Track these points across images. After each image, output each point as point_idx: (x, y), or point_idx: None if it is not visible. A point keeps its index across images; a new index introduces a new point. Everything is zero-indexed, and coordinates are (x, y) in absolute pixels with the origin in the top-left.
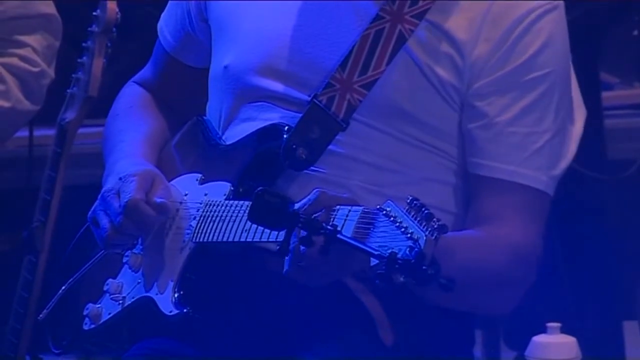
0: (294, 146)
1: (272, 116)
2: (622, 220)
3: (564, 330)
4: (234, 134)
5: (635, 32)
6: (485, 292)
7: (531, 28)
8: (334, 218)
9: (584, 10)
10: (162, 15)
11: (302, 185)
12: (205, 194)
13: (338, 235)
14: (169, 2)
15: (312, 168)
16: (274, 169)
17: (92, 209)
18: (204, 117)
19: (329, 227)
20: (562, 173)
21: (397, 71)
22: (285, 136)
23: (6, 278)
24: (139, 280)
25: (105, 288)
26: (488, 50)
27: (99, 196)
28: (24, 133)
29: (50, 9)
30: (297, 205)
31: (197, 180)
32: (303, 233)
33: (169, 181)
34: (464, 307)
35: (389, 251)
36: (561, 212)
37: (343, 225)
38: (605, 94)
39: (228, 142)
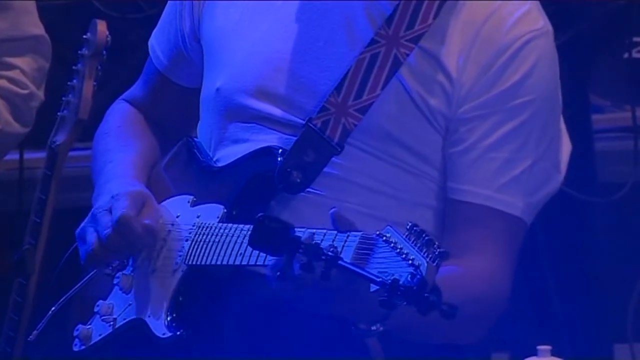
0: (289, 169)
1: (264, 138)
2: (613, 242)
3: (555, 353)
4: (226, 155)
5: (626, 55)
6: (462, 326)
7: (518, 54)
8: (332, 243)
9: (575, 32)
10: (154, 32)
11: (296, 208)
12: (198, 216)
13: (339, 262)
14: (161, 18)
15: (306, 190)
16: (267, 192)
17: (81, 225)
18: (194, 138)
19: (329, 253)
20: (544, 201)
21: (388, 98)
22: (279, 159)
23: None
24: (130, 302)
25: (95, 309)
26: (475, 75)
27: (90, 214)
28: (14, 156)
29: (40, 30)
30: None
31: (188, 202)
32: (303, 259)
33: (160, 202)
34: (442, 340)
35: (392, 278)
36: (552, 234)
37: (342, 250)
38: (595, 117)
39: (220, 164)
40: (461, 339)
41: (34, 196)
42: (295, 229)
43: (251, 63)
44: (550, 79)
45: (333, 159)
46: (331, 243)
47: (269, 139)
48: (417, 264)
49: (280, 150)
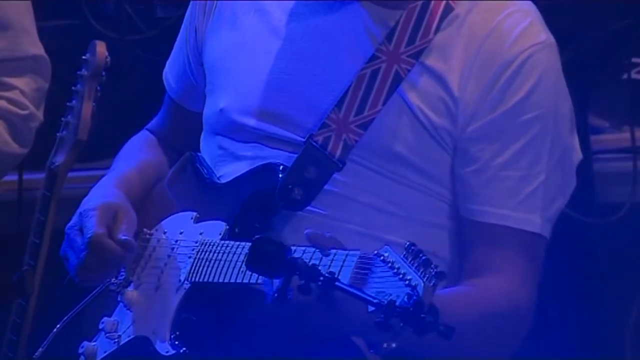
0: (290, 186)
1: (266, 155)
2: (611, 263)
3: None
4: (228, 172)
5: (625, 76)
6: (483, 344)
7: (521, 70)
8: (331, 263)
9: (574, 53)
10: (167, 62)
11: (297, 225)
12: (201, 233)
13: (336, 283)
14: (173, 49)
15: (308, 208)
16: (269, 209)
17: (62, 246)
18: (197, 154)
19: (326, 275)
20: (559, 211)
21: (391, 114)
22: (280, 176)
23: None
24: (135, 319)
25: (100, 326)
26: (480, 93)
27: (65, 232)
28: (13, 177)
29: (39, 50)
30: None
31: (191, 218)
32: (301, 281)
33: (164, 218)
34: (465, 356)
35: (388, 299)
36: (550, 255)
37: (340, 270)
38: (594, 138)
39: (222, 181)
40: (486, 357)
41: (33, 217)
42: (293, 248)
43: (254, 84)
44: (556, 91)
45: (335, 176)
46: (330, 263)
47: (272, 156)
48: (414, 284)
49: (281, 167)
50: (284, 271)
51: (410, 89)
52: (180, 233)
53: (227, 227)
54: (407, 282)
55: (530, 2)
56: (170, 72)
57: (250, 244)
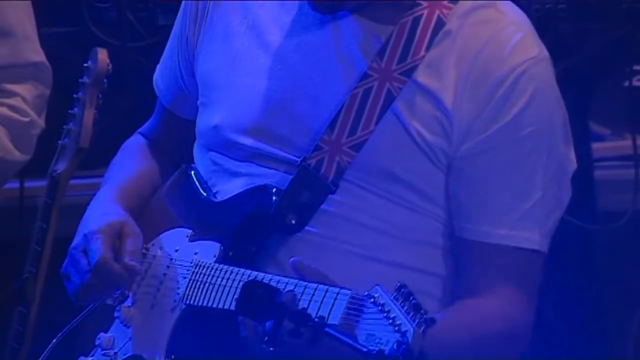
0: (284, 211)
1: (261, 173)
2: (613, 271)
3: None
4: (224, 189)
5: (626, 83)
6: None
7: (515, 86)
8: (320, 304)
9: (575, 60)
10: (158, 67)
11: (293, 246)
12: (195, 253)
13: (325, 329)
14: (163, 54)
15: (304, 229)
16: (263, 232)
17: (64, 264)
18: (193, 167)
19: (316, 320)
20: (556, 223)
21: (385, 134)
22: (274, 198)
23: None
24: (130, 336)
25: (97, 342)
26: (474, 110)
27: (68, 251)
28: (15, 184)
29: (41, 57)
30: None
31: (187, 236)
32: (291, 325)
33: (163, 231)
34: None
35: (377, 349)
36: (551, 263)
37: (331, 309)
38: (595, 145)
39: (218, 198)
40: None
41: (34, 224)
42: (284, 282)
43: (248, 101)
44: (550, 105)
45: (332, 197)
46: (321, 302)
47: (265, 174)
48: (403, 330)
49: (274, 190)
50: (274, 315)
51: (404, 107)
52: (176, 251)
53: (222, 248)
54: (396, 327)
55: (522, 14)
56: (161, 79)
57: (245, 270)
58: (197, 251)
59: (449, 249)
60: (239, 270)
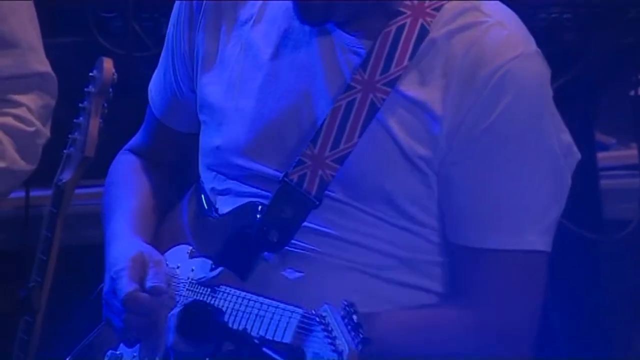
0: (265, 228)
1: (254, 192)
2: (618, 280)
3: None
4: (222, 208)
5: (632, 93)
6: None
7: (497, 87)
8: (277, 322)
9: (580, 70)
10: (152, 77)
11: (279, 264)
12: (192, 270)
13: (263, 349)
14: (158, 65)
15: (292, 245)
16: (248, 250)
17: (103, 312)
18: (201, 185)
19: (255, 341)
20: (556, 219)
21: (370, 145)
22: (258, 216)
23: (3, 339)
24: (135, 354)
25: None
26: (459, 115)
27: (103, 299)
28: (20, 194)
29: (46, 67)
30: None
31: (187, 252)
32: (231, 346)
33: (166, 249)
34: None
35: None
36: (556, 272)
37: (286, 328)
38: (601, 155)
39: (215, 216)
40: None
41: (39, 234)
42: (224, 313)
43: (245, 123)
44: (537, 101)
45: (316, 211)
46: (278, 320)
47: (258, 194)
48: (340, 350)
49: (259, 207)
50: (214, 337)
51: (388, 118)
52: (177, 267)
53: (213, 265)
54: (334, 347)
55: (507, 10)
56: (156, 90)
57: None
58: (193, 268)
59: (446, 264)
60: (229, 291)
